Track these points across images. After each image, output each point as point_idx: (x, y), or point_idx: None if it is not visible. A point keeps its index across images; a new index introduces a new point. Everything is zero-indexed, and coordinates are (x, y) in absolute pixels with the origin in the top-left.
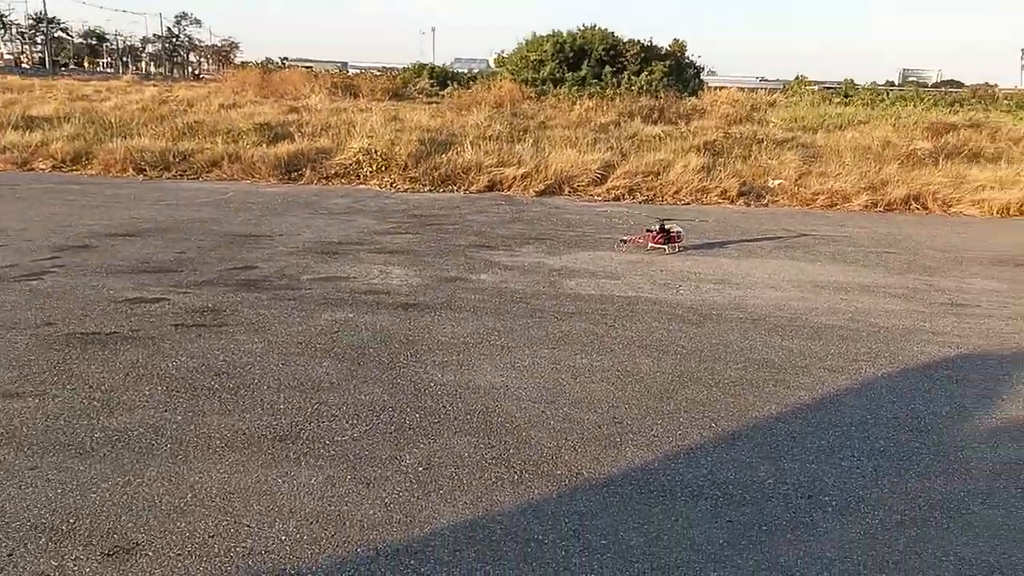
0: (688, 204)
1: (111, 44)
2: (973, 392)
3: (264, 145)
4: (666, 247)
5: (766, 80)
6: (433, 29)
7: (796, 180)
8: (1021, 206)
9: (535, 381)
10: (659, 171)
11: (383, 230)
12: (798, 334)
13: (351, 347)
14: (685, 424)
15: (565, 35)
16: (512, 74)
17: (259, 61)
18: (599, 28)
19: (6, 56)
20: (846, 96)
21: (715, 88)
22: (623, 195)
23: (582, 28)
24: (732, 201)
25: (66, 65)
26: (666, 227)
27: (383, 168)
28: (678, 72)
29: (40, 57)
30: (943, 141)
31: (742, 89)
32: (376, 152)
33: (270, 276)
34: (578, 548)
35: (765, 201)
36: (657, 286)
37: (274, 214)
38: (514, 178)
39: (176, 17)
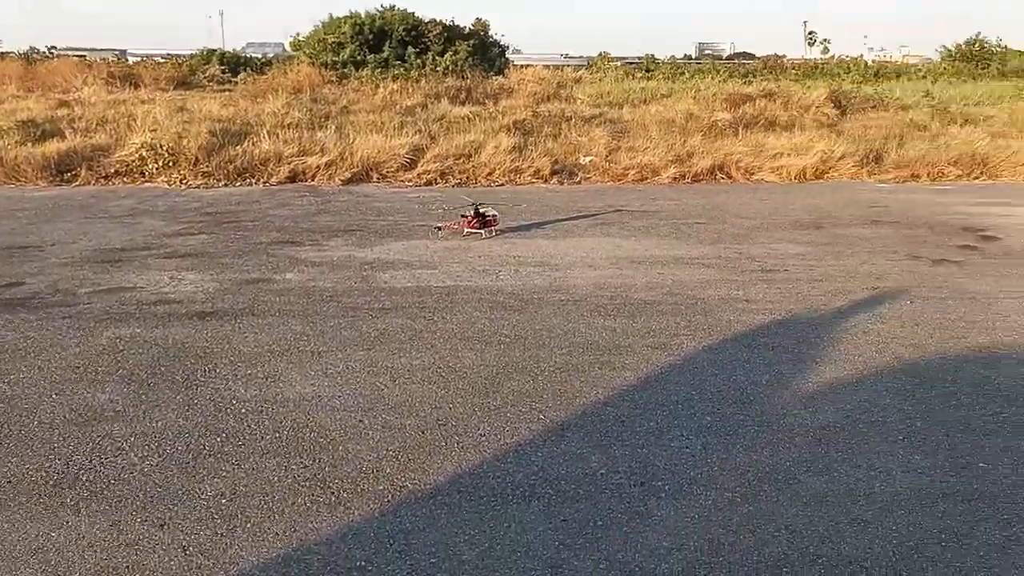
0: (502, 185)
1: None
2: (789, 358)
3: (30, 144)
4: (483, 231)
5: (570, 57)
6: (221, 12)
7: (606, 156)
8: (815, 170)
9: (350, 388)
10: (470, 153)
11: (173, 232)
12: (620, 312)
13: (139, 367)
14: (513, 419)
15: (364, 16)
16: (310, 58)
17: (22, 51)
18: (399, 8)
19: None
20: (648, 71)
21: (521, 67)
22: (435, 179)
23: (381, 9)
24: (545, 180)
25: None
26: (481, 211)
27: (171, 164)
28: (483, 52)
29: None
30: (741, 111)
31: (547, 67)
32: (161, 147)
33: (40, 292)
34: (405, 570)
35: (578, 178)
36: (476, 273)
37: (44, 221)
38: (318, 167)
39: None
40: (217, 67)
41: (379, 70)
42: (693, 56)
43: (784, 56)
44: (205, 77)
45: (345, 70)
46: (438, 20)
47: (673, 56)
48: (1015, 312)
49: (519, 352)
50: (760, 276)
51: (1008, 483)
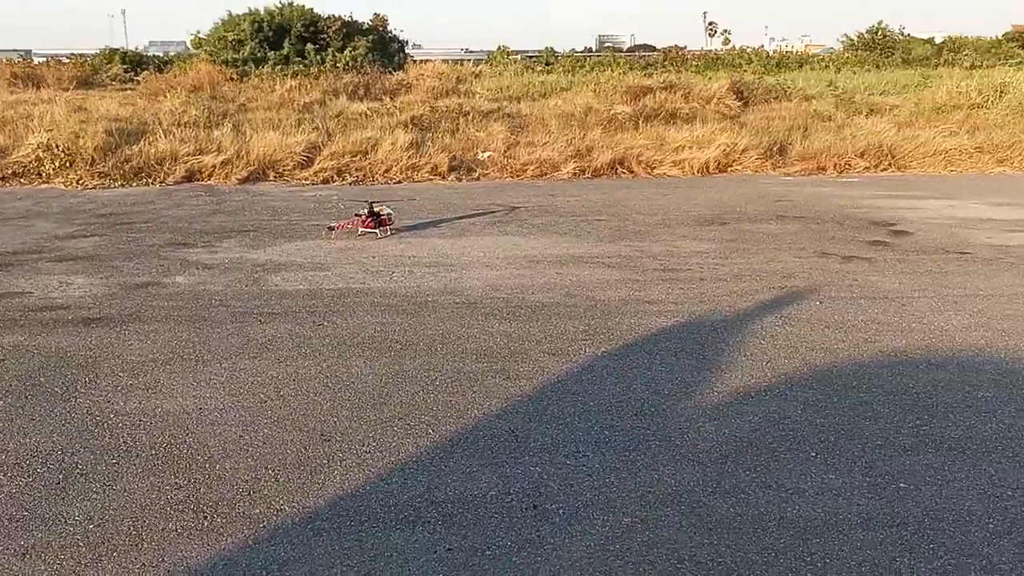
0: (400, 183)
1: None
2: (692, 364)
3: None
4: (377, 231)
5: (471, 51)
6: (123, 12)
7: (505, 151)
8: (718, 164)
9: (233, 400)
10: (367, 150)
11: (66, 234)
12: (516, 316)
13: (18, 378)
14: (400, 434)
15: (263, 13)
16: (211, 56)
17: None
18: (297, 5)
19: None
20: (547, 64)
21: (421, 61)
22: (332, 177)
23: (280, 5)
24: (443, 177)
25: None
26: (375, 210)
27: (68, 164)
28: (382, 47)
29: None
30: (641, 104)
31: (447, 61)
32: (58, 147)
33: None
34: None
35: (476, 175)
36: (369, 274)
37: None
38: (214, 166)
39: None
40: (119, 66)
41: (279, 67)
42: (594, 49)
43: (685, 48)
44: (108, 76)
45: (245, 67)
46: (337, 16)
47: (573, 49)
48: (930, 312)
49: (410, 360)
50: (662, 276)
51: (932, 506)
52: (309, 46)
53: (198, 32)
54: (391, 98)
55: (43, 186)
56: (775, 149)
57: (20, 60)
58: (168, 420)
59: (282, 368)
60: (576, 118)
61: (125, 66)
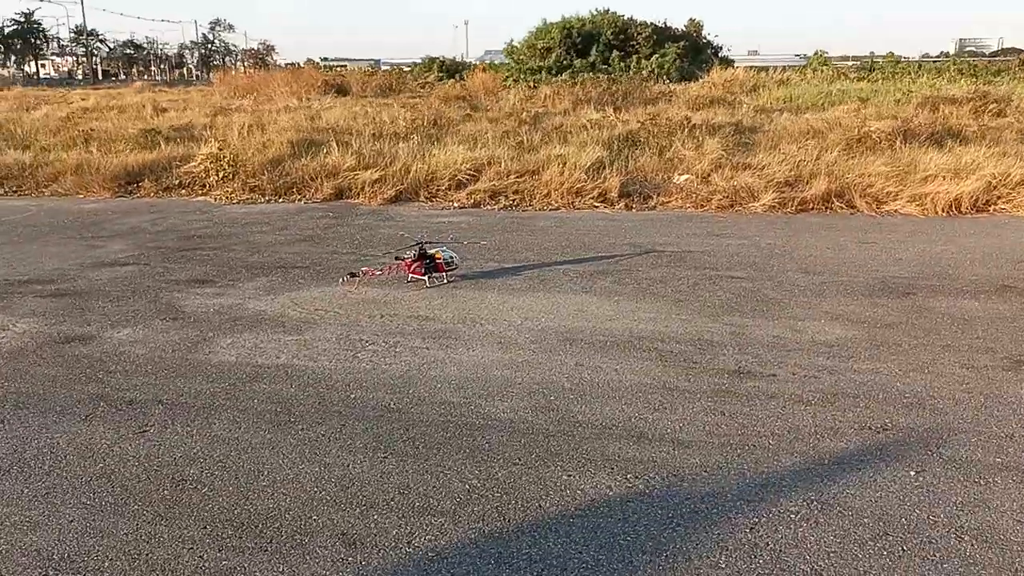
0: (556, 210)
1: (148, 52)
2: None
3: (133, 152)
4: (427, 278)
5: (805, 57)
6: (466, 22)
7: (707, 175)
8: (975, 201)
9: None
10: (536, 170)
11: (113, 260)
12: (432, 442)
13: None
14: None
15: (574, 20)
16: (518, 63)
17: (298, 63)
18: (610, 12)
19: (61, 69)
20: (870, 71)
21: (733, 67)
22: (484, 200)
23: (593, 13)
24: (612, 204)
25: (116, 75)
26: (429, 252)
27: (231, 176)
28: (695, 53)
29: (94, 68)
30: (908, 120)
31: (748, 68)
32: (224, 159)
33: None
34: None
35: (653, 203)
36: (336, 345)
37: (27, 240)
38: (364, 183)
39: (210, 24)
40: (436, 74)
41: (583, 74)
42: (951, 53)
43: None
44: (418, 84)
45: (539, 75)
46: (648, 22)
47: (927, 54)
48: None
49: (184, 521)
50: (722, 382)
51: None
52: (615, 53)
53: (511, 41)
54: (617, 111)
55: (198, 199)
56: None
57: (370, 68)
58: None
59: None
60: (821, 135)
61: (440, 74)
